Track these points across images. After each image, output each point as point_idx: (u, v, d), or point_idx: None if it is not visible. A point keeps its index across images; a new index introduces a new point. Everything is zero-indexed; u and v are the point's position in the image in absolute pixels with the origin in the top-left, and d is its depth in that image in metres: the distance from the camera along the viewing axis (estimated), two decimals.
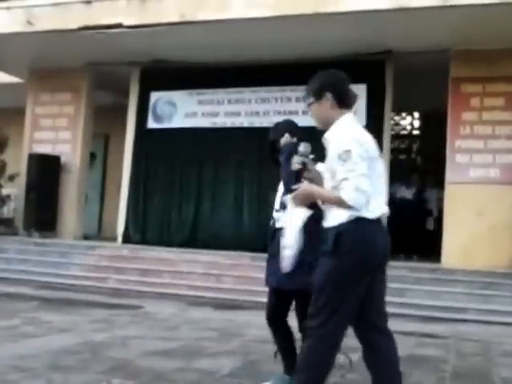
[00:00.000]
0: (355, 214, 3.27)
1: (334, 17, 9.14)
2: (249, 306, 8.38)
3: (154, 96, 12.25)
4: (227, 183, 11.51)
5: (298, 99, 11.12)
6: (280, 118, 11.13)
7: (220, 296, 8.75)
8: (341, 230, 3.27)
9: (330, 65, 11.62)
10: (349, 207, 3.25)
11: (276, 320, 4.52)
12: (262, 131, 11.31)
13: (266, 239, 11.20)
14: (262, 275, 9.58)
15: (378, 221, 3.38)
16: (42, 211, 11.93)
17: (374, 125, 10.59)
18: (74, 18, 10.49)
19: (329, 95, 3.51)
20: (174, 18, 9.87)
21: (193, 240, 11.40)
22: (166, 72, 11.84)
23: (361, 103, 10.68)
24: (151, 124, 12.23)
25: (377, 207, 3.36)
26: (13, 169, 12.91)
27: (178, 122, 12.01)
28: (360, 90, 10.70)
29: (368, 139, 3.44)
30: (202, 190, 11.74)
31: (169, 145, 11.88)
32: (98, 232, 14.55)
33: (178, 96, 12.08)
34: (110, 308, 7.86)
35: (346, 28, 9.49)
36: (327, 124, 3.54)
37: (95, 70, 12.46)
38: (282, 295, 4.42)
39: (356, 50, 10.31)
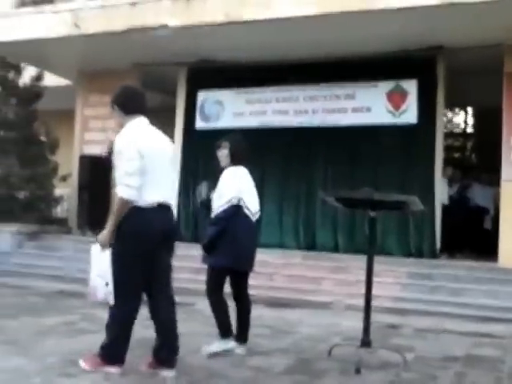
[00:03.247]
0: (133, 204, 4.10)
1: (383, 13, 9.04)
2: (301, 304, 8.36)
3: (202, 96, 12.29)
4: (275, 183, 11.48)
5: (346, 97, 11.05)
6: (329, 116, 11.36)
7: (272, 294, 8.72)
8: (121, 219, 4.12)
9: (379, 61, 11.60)
10: (126, 201, 4.08)
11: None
12: (310, 130, 11.39)
13: (311, 238, 11.17)
14: (314, 274, 9.64)
15: (156, 207, 4.19)
16: (94, 211, 12.10)
17: (426, 122, 10.49)
18: (119, 20, 10.62)
19: (115, 106, 4.43)
20: (218, 17, 9.90)
21: None
22: (213, 71, 11.87)
23: (412, 100, 10.57)
24: (199, 124, 12.28)
25: (153, 196, 4.17)
26: (64, 169, 13.15)
27: (226, 121, 12.02)
28: (411, 87, 10.60)
29: (145, 141, 4.22)
30: None
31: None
32: None
33: (225, 95, 12.10)
34: None
35: (395, 24, 9.36)
36: (122, 128, 4.39)
37: (142, 70, 12.54)
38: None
39: (406, 47, 10.16)
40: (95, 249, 4.30)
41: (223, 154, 5.40)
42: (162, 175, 4.31)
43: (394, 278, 8.83)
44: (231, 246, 5.04)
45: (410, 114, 10.59)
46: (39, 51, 11.87)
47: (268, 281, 9.28)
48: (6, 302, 7.89)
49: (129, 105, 4.43)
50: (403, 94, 10.63)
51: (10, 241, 11.88)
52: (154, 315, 4.43)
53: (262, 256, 9.95)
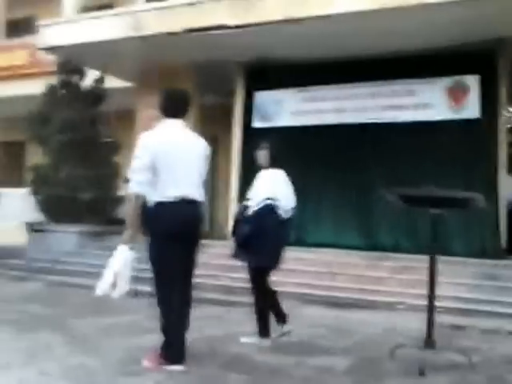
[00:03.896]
0: (153, 199, 4.48)
1: (442, 6, 8.87)
2: (362, 304, 8.28)
3: (260, 95, 12.29)
4: (334, 181, 11.40)
5: (406, 93, 10.87)
6: (388, 113, 11.14)
7: (333, 294, 8.68)
8: (145, 214, 4.45)
9: (439, 57, 11.36)
10: (134, 196, 4.46)
11: None
12: (370, 127, 11.27)
13: (372, 237, 10.99)
14: (376, 274, 9.53)
15: (177, 202, 4.48)
16: None
17: (488, 118, 10.22)
18: (178, 21, 10.72)
19: (158, 108, 4.84)
20: (277, 16, 9.89)
21: (301, 239, 11.40)
22: (271, 70, 11.86)
23: (473, 95, 10.34)
24: (257, 123, 12.28)
25: (173, 192, 4.47)
26: (127, 171, 13.33)
27: (284, 120, 12.00)
28: (472, 82, 10.36)
29: (161, 140, 4.57)
30: (308, 188, 11.70)
31: (275, 144, 11.86)
32: (210, 231, 14.75)
33: (283, 94, 12.07)
34: (223, 305, 7.99)
35: (455, 17, 9.16)
36: None
37: (201, 71, 12.62)
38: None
39: (466, 41, 9.90)
40: (120, 248, 4.50)
41: (262, 154, 5.79)
42: (185, 172, 4.59)
43: (459, 279, 8.64)
44: (265, 244, 5.40)
45: (471, 110, 10.35)
46: (101, 54, 12.10)
47: (330, 281, 9.24)
48: (71, 302, 8.09)
49: (167, 109, 4.81)
50: (464, 90, 10.40)
51: (74, 241, 12.19)
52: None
53: (323, 256, 10.08)
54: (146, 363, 4.50)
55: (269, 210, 5.42)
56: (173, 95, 4.93)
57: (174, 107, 4.80)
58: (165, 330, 4.49)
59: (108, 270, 4.44)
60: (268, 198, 5.42)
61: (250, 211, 5.47)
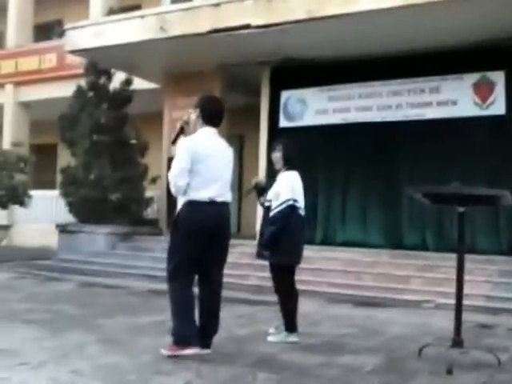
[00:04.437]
0: (186, 198, 4.81)
1: (466, 2, 8.85)
2: (389, 303, 8.28)
3: (285, 95, 12.35)
4: (359, 179, 11.40)
5: (432, 90, 10.84)
6: (413, 111, 11.10)
7: (360, 293, 8.69)
8: (179, 211, 4.86)
9: (464, 53, 11.24)
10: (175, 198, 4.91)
11: None
12: (394, 125, 11.23)
13: (398, 236, 10.95)
14: (403, 272, 9.50)
15: (207, 202, 4.80)
16: None
17: None
18: (203, 22, 10.83)
19: (198, 113, 5.05)
20: (300, 15, 9.94)
21: (329, 238, 11.42)
22: (296, 70, 11.90)
23: (500, 91, 10.25)
24: (283, 123, 12.33)
25: (204, 193, 4.79)
26: (154, 172, 13.49)
27: (310, 119, 12.04)
28: (498, 77, 10.28)
29: (200, 145, 4.86)
30: (335, 187, 11.72)
31: (301, 143, 11.89)
32: (237, 230, 14.81)
33: (308, 93, 12.10)
34: (252, 304, 8.04)
35: (479, 13, 9.15)
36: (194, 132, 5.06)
37: (226, 71, 12.71)
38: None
39: (491, 37, 9.84)
40: None
41: (277, 156, 5.89)
42: (216, 176, 4.90)
43: (485, 277, 8.59)
44: (289, 243, 5.61)
45: (497, 106, 10.27)
46: (128, 56, 12.24)
47: (356, 280, 9.24)
48: (101, 302, 8.20)
49: (202, 118, 5.05)
50: (490, 86, 10.33)
51: (103, 242, 12.35)
52: (200, 301, 4.97)
53: (349, 255, 10.09)
54: (165, 352, 4.80)
55: (292, 211, 5.61)
56: (209, 105, 5.15)
57: (208, 117, 5.05)
58: (174, 317, 4.83)
59: None
60: (290, 199, 5.61)
61: (274, 212, 5.64)
